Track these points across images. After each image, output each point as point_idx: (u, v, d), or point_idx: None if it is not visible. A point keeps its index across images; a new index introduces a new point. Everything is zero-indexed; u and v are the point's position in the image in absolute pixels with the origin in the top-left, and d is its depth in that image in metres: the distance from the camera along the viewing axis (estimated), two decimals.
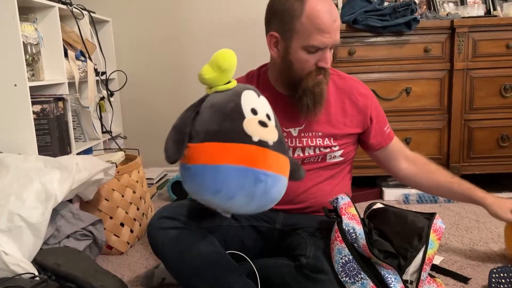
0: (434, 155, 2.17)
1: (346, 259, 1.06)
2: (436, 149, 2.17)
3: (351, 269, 1.05)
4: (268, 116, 0.94)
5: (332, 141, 1.29)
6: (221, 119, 0.88)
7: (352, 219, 1.10)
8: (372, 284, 1.04)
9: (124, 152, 2.00)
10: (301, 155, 1.28)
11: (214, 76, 0.93)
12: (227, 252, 1.18)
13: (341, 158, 1.32)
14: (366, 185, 2.27)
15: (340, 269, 1.07)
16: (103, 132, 2.36)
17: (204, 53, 2.63)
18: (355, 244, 1.07)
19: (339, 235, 1.09)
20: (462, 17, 2.13)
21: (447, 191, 1.43)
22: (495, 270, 1.25)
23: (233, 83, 0.95)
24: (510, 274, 1.24)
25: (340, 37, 2.04)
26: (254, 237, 1.31)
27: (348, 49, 2.11)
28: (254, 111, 0.91)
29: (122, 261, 1.62)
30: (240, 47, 2.58)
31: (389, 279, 1.04)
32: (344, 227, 1.09)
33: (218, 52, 0.92)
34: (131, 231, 1.71)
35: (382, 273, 1.05)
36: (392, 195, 2.21)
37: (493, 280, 1.23)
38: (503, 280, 1.22)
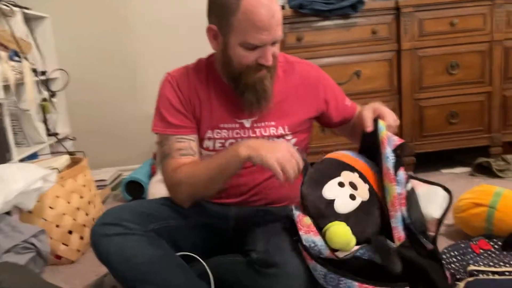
0: None
1: (322, 273, 1.03)
2: None
3: (331, 279, 1.02)
4: None
5: (286, 129, 1.25)
6: None
7: (309, 232, 1.05)
8: (357, 283, 0.99)
9: (71, 154, 1.91)
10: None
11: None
12: (177, 254, 1.14)
13: (295, 147, 1.29)
14: None
15: (324, 282, 1.04)
16: (49, 135, 2.25)
17: (148, 47, 2.55)
18: (321, 256, 1.04)
19: (305, 253, 1.05)
20: None
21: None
22: (446, 250, 1.26)
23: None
24: (461, 251, 1.26)
25: (288, 23, 2.06)
26: (205, 235, 1.27)
27: (296, 35, 2.08)
28: None
29: (73, 270, 1.55)
30: (183, 38, 2.52)
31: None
32: (304, 243, 1.05)
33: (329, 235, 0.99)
34: (81, 238, 1.64)
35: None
36: None
37: (445, 258, 1.24)
38: (454, 259, 1.24)
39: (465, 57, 2.13)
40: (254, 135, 1.24)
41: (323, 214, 1.04)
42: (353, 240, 0.99)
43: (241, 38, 1.10)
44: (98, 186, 2.27)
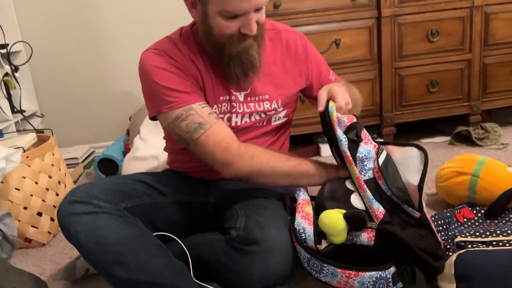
0: (367, 107, 2.15)
1: (306, 257, 1.00)
2: (369, 100, 2.14)
3: (315, 265, 1.00)
4: None
5: (279, 102, 1.21)
6: None
7: (304, 219, 1.02)
8: (339, 269, 0.96)
9: (40, 132, 1.80)
10: (248, 121, 1.19)
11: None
12: (154, 234, 1.08)
13: (285, 119, 1.26)
14: (302, 142, 2.22)
15: (307, 267, 1.02)
16: (14, 112, 2.13)
17: (119, 17, 2.41)
18: (304, 244, 1.00)
19: (293, 235, 1.02)
20: None
21: None
22: (432, 218, 1.23)
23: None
24: (446, 220, 1.24)
25: None
26: (184, 212, 1.21)
27: (273, 1, 1.99)
28: None
29: (44, 253, 1.48)
30: (155, 12, 2.39)
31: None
32: (295, 226, 1.01)
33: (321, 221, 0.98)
34: (52, 219, 1.56)
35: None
36: (329, 151, 2.16)
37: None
38: (440, 228, 1.22)
39: (445, 23, 2.09)
40: (248, 110, 1.18)
41: (336, 198, 1.04)
42: (344, 233, 0.96)
43: (219, 6, 1.02)
44: (70, 164, 2.18)
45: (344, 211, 0.98)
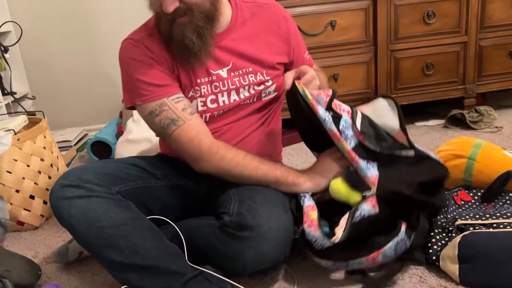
0: (362, 89, 2.14)
1: (330, 264, 1.05)
2: (364, 83, 2.13)
3: (340, 266, 1.06)
4: None
5: (264, 75, 1.18)
6: None
7: (310, 226, 1.02)
8: (364, 258, 1.00)
9: (32, 115, 1.78)
10: (237, 99, 1.17)
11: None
12: (148, 218, 1.07)
13: (275, 93, 1.23)
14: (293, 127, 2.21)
15: (333, 268, 1.09)
16: (4, 94, 2.09)
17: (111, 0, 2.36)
18: (324, 248, 1.02)
19: (310, 251, 1.05)
20: None
21: None
22: None
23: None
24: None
25: None
26: (178, 196, 1.20)
27: None
28: None
29: (36, 236, 1.47)
30: None
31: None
32: (307, 237, 1.02)
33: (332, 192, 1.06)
34: (45, 202, 1.55)
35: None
36: None
37: None
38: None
39: (441, 5, 2.06)
40: (234, 86, 1.16)
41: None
42: (353, 192, 1.04)
43: None
44: (62, 147, 2.16)
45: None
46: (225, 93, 1.16)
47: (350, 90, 2.13)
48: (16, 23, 2.13)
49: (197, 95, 1.15)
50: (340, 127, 1.04)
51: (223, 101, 1.16)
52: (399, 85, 2.15)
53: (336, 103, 1.07)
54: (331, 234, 1.00)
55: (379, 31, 2.06)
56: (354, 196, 1.03)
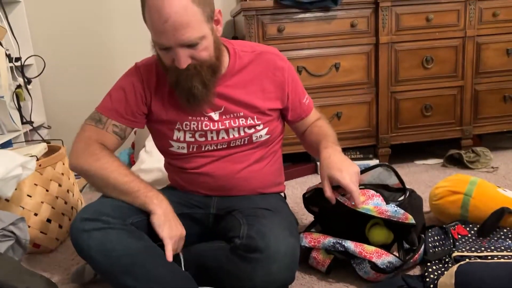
0: (364, 128, 2.24)
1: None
2: (366, 122, 2.24)
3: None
4: None
5: (255, 120, 1.25)
6: None
7: (380, 256, 1.19)
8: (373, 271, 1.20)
9: (47, 143, 1.87)
10: (226, 138, 1.25)
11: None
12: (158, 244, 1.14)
13: (268, 136, 1.29)
14: (300, 160, 2.30)
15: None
16: (23, 123, 2.19)
17: (128, 34, 2.51)
18: (397, 268, 1.21)
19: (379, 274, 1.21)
20: None
21: (315, 148, 1.34)
22: (430, 234, 1.31)
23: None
24: (442, 236, 1.32)
25: (269, 14, 2.07)
26: (187, 225, 1.26)
27: (277, 26, 2.09)
28: None
29: (52, 259, 1.53)
30: None
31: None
32: (381, 266, 1.19)
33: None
34: (60, 226, 1.61)
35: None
36: None
37: (430, 242, 1.29)
38: (437, 243, 1.29)
39: (439, 51, 2.20)
40: (223, 127, 1.24)
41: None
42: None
43: (152, 37, 1.10)
44: (74, 175, 2.23)
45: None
46: (214, 132, 1.24)
47: (352, 128, 2.23)
48: (40, 56, 2.26)
49: (186, 128, 1.23)
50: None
51: (212, 137, 1.24)
52: (399, 125, 2.26)
53: (365, 192, 1.29)
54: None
55: (380, 73, 2.18)
56: (391, 236, 1.27)
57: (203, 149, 1.26)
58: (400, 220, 1.19)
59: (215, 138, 1.24)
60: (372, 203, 1.24)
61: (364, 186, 1.32)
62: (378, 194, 1.28)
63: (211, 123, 1.23)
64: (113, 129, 1.23)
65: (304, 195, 1.39)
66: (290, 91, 1.30)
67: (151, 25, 1.06)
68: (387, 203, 1.24)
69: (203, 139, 1.24)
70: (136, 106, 1.23)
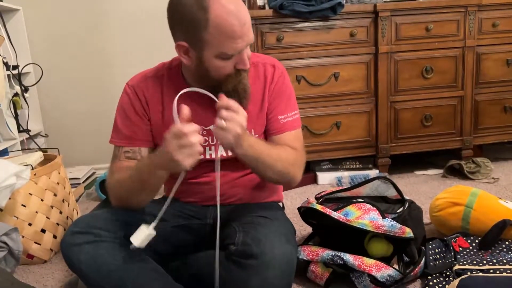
0: (363, 138, 2.22)
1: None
2: (365, 132, 2.22)
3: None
4: None
5: (253, 133, 1.24)
6: None
7: (379, 270, 1.18)
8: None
9: (44, 151, 1.85)
10: (224, 154, 1.23)
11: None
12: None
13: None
14: None
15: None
16: (20, 131, 2.18)
17: (125, 43, 2.50)
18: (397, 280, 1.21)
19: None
20: (385, 1, 2.18)
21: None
22: (430, 247, 1.28)
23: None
24: (443, 248, 1.30)
25: (268, 23, 2.07)
26: (184, 236, 1.25)
27: (276, 35, 2.08)
28: None
29: (45, 270, 1.50)
30: (162, 33, 2.47)
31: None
32: (381, 280, 1.18)
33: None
34: (54, 236, 1.59)
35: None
36: (326, 179, 2.24)
37: (431, 254, 1.27)
38: (438, 256, 1.27)
39: (439, 62, 2.19)
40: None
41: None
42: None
43: (216, 50, 1.08)
44: (71, 184, 2.21)
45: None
46: (212, 147, 1.22)
47: (351, 137, 2.21)
48: (37, 64, 2.25)
49: None
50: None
51: (210, 154, 1.22)
52: (399, 135, 2.24)
53: (360, 206, 1.30)
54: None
55: (379, 83, 2.17)
56: (390, 249, 1.26)
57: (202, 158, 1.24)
58: (397, 235, 1.17)
59: (213, 155, 1.23)
60: (368, 218, 1.23)
61: (362, 199, 1.30)
62: (374, 208, 1.27)
63: (210, 138, 1.22)
64: (125, 156, 1.22)
65: (299, 209, 1.37)
66: (272, 101, 1.25)
67: (229, 32, 1.04)
68: (383, 216, 1.23)
69: (201, 156, 1.22)
70: (142, 123, 1.22)
